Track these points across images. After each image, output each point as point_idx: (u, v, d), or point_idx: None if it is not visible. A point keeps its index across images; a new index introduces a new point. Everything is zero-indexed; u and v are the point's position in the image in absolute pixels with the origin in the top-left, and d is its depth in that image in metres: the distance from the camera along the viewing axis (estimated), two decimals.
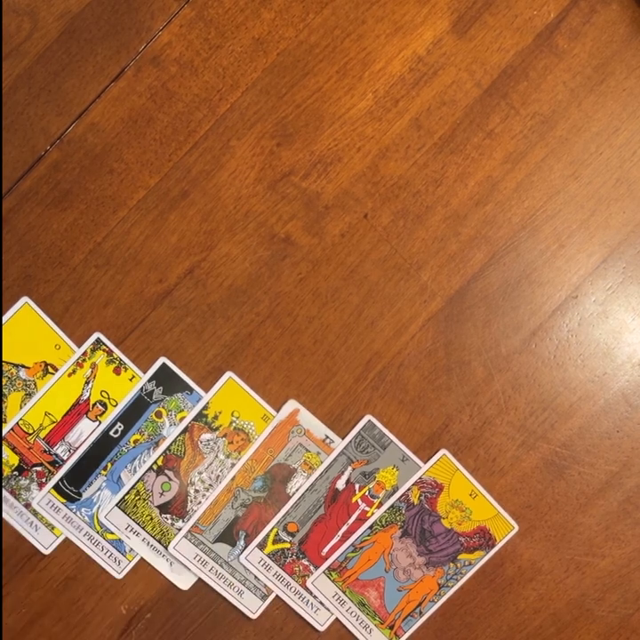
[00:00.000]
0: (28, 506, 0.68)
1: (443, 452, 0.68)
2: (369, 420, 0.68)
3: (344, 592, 0.68)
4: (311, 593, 0.68)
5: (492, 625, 0.68)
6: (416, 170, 0.69)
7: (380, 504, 0.68)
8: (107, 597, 0.68)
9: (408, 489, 0.68)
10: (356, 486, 0.68)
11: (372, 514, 0.68)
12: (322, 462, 0.68)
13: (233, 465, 0.68)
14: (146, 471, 0.67)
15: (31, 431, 0.68)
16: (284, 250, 0.69)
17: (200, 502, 0.68)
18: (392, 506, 0.68)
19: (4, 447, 0.67)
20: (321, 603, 0.68)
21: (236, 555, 0.67)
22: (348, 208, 0.69)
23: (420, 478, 0.68)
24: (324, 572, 0.67)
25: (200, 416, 0.68)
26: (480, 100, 0.69)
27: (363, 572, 0.68)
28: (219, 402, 0.68)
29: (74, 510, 0.68)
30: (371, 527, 0.68)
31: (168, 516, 0.68)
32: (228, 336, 0.69)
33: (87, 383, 0.68)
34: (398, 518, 0.68)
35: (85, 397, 0.68)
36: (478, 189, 0.69)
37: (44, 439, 0.68)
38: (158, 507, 0.68)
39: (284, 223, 0.69)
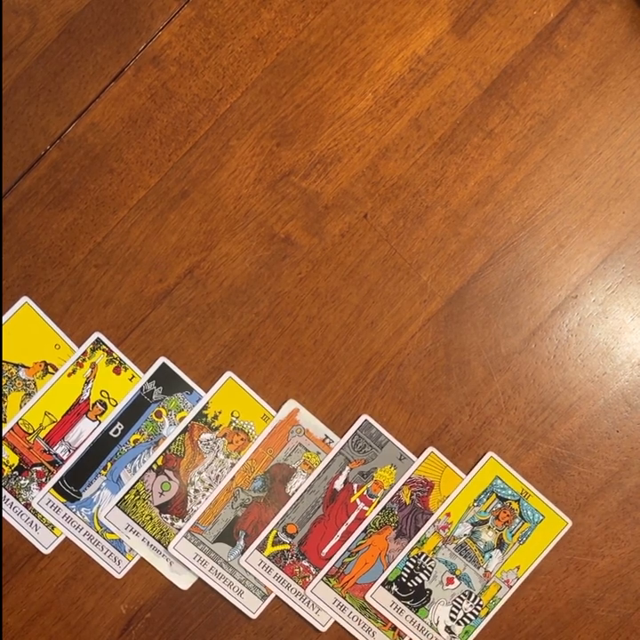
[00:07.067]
0: (28, 506, 0.68)
1: (430, 449, 0.68)
2: (365, 420, 0.68)
3: (344, 597, 0.67)
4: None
5: (492, 625, 0.68)
6: (416, 170, 0.69)
7: (379, 503, 0.68)
8: (107, 597, 0.68)
9: (399, 489, 0.67)
10: (355, 486, 0.68)
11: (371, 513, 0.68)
12: (321, 462, 0.68)
13: (233, 465, 0.68)
14: (146, 471, 0.67)
15: (31, 431, 0.68)
16: (283, 250, 0.69)
17: (200, 502, 0.68)
18: (384, 507, 0.67)
19: (4, 447, 0.67)
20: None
21: (236, 555, 0.67)
22: (348, 208, 0.69)
23: (409, 477, 0.68)
24: (322, 579, 0.67)
25: (200, 416, 0.68)
26: (480, 100, 0.69)
27: (361, 576, 0.68)
28: (218, 402, 0.68)
29: (74, 510, 0.68)
30: (365, 530, 0.67)
31: (168, 515, 0.68)
32: (228, 336, 0.69)
33: (87, 383, 0.68)
34: (391, 519, 0.68)
35: (85, 397, 0.68)
36: (478, 189, 0.69)
37: (43, 439, 0.68)
38: (158, 506, 0.68)
39: (284, 223, 0.69)
